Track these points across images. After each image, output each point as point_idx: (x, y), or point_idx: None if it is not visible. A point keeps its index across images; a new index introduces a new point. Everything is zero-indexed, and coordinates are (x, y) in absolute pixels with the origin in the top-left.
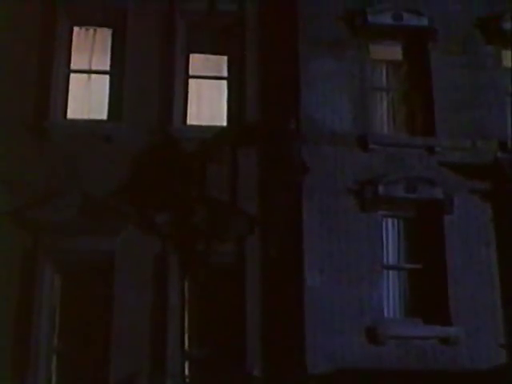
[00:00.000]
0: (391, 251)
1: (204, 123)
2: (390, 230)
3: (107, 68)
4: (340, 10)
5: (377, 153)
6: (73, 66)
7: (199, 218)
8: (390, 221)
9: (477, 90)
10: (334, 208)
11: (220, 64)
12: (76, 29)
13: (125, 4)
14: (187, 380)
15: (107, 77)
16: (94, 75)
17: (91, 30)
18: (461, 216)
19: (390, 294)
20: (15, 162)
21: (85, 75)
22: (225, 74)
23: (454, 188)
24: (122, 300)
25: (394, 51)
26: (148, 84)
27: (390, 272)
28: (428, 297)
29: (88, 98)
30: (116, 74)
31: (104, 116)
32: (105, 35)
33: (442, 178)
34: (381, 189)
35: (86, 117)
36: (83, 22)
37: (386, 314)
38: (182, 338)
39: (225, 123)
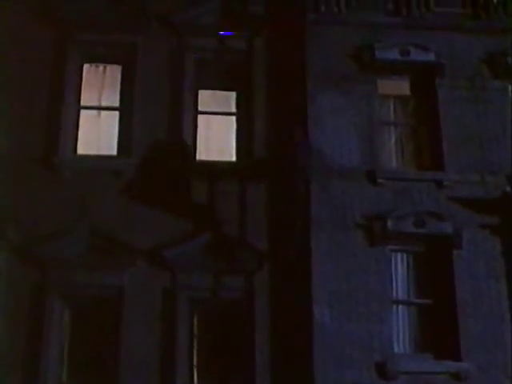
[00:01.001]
0: (400, 286)
1: (213, 158)
2: (399, 265)
3: (117, 104)
4: (348, 46)
5: (385, 187)
6: (83, 103)
7: (208, 253)
8: (399, 255)
9: (485, 124)
10: (342, 243)
11: (229, 100)
12: (86, 65)
13: (134, 41)
14: None
15: (117, 113)
16: (103, 111)
17: (101, 67)
18: (470, 250)
19: (400, 328)
20: (24, 197)
21: (95, 111)
22: (233, 109)
23: (463, 222)
24: (130, 335)
25: (401, 86)
26: (157, 120)
27: (400, 307)
28: (438, 332)
29: (98, 133)
30: (125, 109)
31: (114, 152)
32: (115, 72)
33: (451, 213)
34: (390, 223)
35: (95, 152)
36: (93, 59)
37: (395, 350)
38: (191, 373)
39: (234, 158)
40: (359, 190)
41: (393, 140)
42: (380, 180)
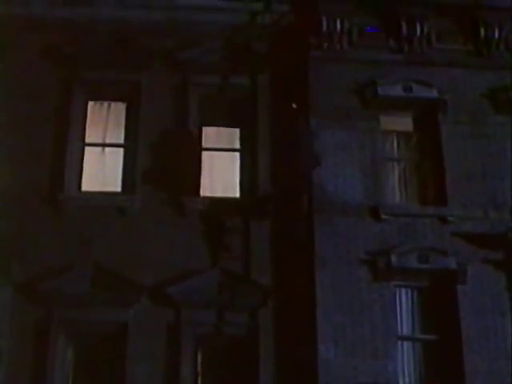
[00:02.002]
0: (405, 322)
1: (217, 195)
2: (404, 301)
3: (121, 141)
4: (350, 82)
5: (389, 223)
6: (87, 140)
7: (212, 289)
8: (403, 291)
9: (488, 159)
10: (346, 278)
11: (232, 136)
12: (91, 103)
13: (138, 78)
14: None
15: (121, 150)
16: (108, 148)
17: (106, 104)
18: (475, 286)
19: (405, 364)
20: (29, 233)
21: (99, 148)
22: (237, 146)
23: (467, 258)
24: (135, 371)
25: (404, 122)
26: (161, 156)
27: (405, 343)
28: (443, 368)
29: (102, 170)
30: (130, 146)
31: (118, 188)
32: (119, 109)
33: (455, 248)
34: (393, 259)
35: (100, 189)
36: (98, 97)
37: None
38: None
39: (238, 195)
40: (363, 225)
41: (396, 176)
42: (383, 216)
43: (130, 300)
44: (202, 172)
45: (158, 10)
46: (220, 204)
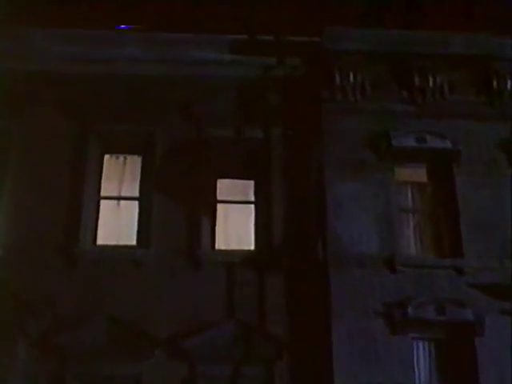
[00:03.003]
0: (423, 374)
1: (232, 247)
2: (421, 353)
3: (137, 194)
4: (364, 134)
5: (405, 274)
6: (103, 193)
7: (227, 342)
8: (420, 343)
9: (502, 210)
10: (363, 330)
11: (247, 188)
12: (106, 156)
13: (153, 131)
14: None
15: (136, 203)
16: (123, 201)
17: (121, 158)
18: (492, 337)
19: None
20: (44, 287)
21: (115, 201)
22: (252, 198)
23: (484, 309)
24: None
25: (418, 173)
26: (176, 209)
27: None
28: None
29: (117, 223)
30: (145, 200)
31: (133, 241)
32: (134, 162)
33: (472, 299)
34: (410, 311)
35: (115, 242)
36: (114, 150)
37: None
38: None
39: (252, 247)
40: (378, 277)
41: (411, 227)
42: (399, 267)
43: (144, 353)
44: (217, 224)
45: (172, 63)
46: (235, 256)
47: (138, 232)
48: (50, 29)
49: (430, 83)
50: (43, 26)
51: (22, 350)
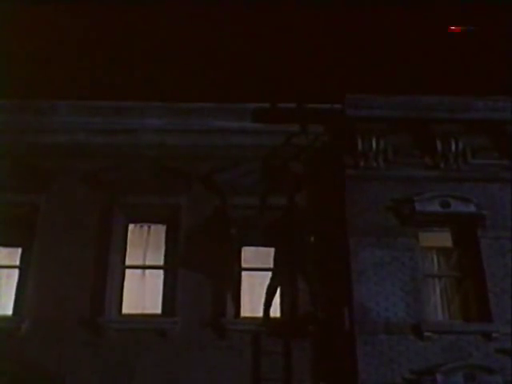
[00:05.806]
0: None
1: (257, 315)
2: None
3: (161, 263)
4: (387, 200)
5: (432, 340)
6: (128, 262)
7: None
8: None
9: None
10: None
11: (271, 256)
12: (131, 226)
13: (177, 201)
14: None
15: (161, 272)
16: (148, 270)
17: (146, 227)
18: None
19: None
20: (70, 359)
21: (139, 270)
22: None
23: None
24: None
25: (443, 238)
26: (201, 278)
27: None
28: None
29: (143, 292)
30: (170, 268)
31: (158, 310)
32: (159, 231)
33: (501, 365)
34: (439, 378)
35: (140, 311)
36: (138, 219)
37: None
38: None
39: (278, 314)
40: (406, 343)
41: (438, 292)
42: (426, 333)
43: None
44: (242, 292)
45: (195, 133)
46: (260, 324)
47: (163, 301)
48: (75, 101)
49: (453, 148)
50: (67, 98)
51: None
